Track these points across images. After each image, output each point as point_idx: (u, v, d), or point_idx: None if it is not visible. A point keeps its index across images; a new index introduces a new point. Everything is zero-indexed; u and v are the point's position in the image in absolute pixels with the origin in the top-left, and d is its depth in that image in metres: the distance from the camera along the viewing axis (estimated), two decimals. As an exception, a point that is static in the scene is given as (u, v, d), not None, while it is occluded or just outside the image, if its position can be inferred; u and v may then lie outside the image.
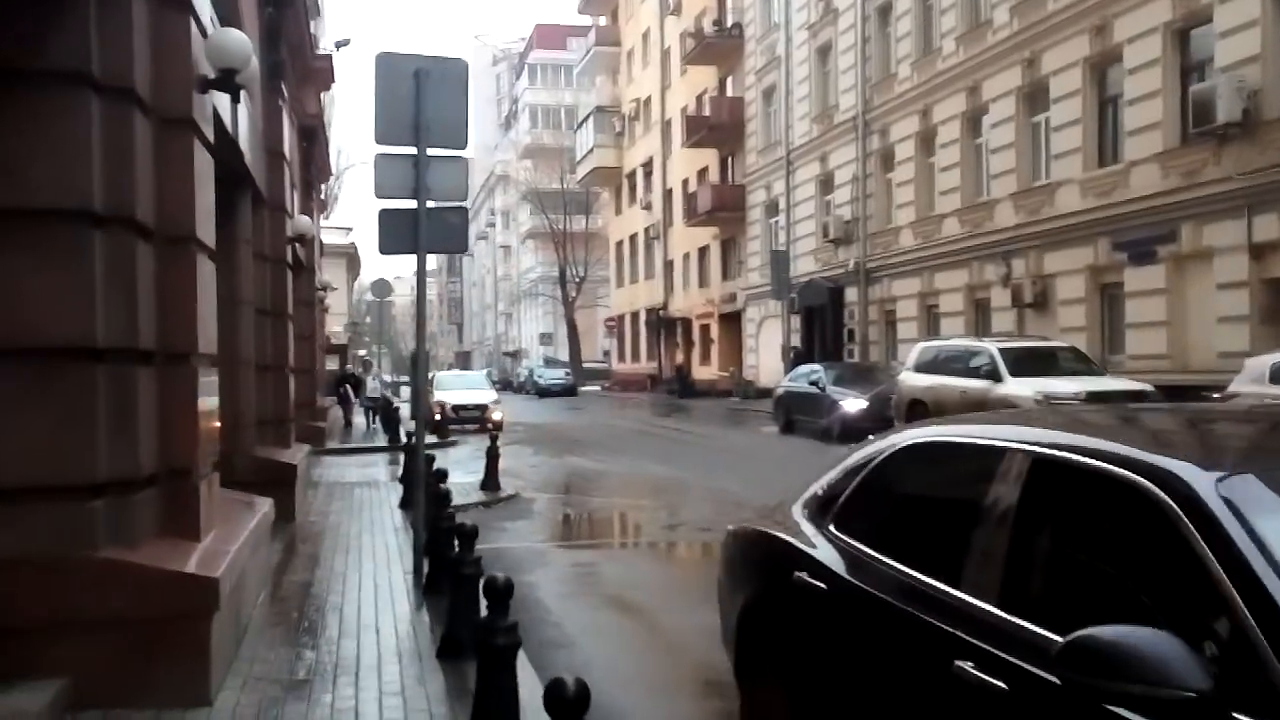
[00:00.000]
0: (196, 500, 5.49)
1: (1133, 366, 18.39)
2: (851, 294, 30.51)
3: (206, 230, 5.86)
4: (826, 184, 32.53)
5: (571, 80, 69.72)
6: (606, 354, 64.43)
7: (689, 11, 43.95)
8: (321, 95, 19.80)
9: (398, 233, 7.90)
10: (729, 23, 39.97)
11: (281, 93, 11.98)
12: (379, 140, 7.72)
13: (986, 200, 24.22)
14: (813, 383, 21.84)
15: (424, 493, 7.81)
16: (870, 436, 4.00)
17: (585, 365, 57.76)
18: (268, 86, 11.56)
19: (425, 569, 7.42)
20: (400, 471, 14.37)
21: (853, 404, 20.28)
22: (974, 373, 16.08)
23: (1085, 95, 20.95)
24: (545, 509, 12.22)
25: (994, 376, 15.54)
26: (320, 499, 12.33)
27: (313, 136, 18.77)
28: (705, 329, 43.35)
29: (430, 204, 7.85)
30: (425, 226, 7.79)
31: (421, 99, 7.62)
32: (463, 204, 8.13)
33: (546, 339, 72.47)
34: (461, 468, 15.28)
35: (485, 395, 25.48)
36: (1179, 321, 18.45)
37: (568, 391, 47.18)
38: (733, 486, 13.84)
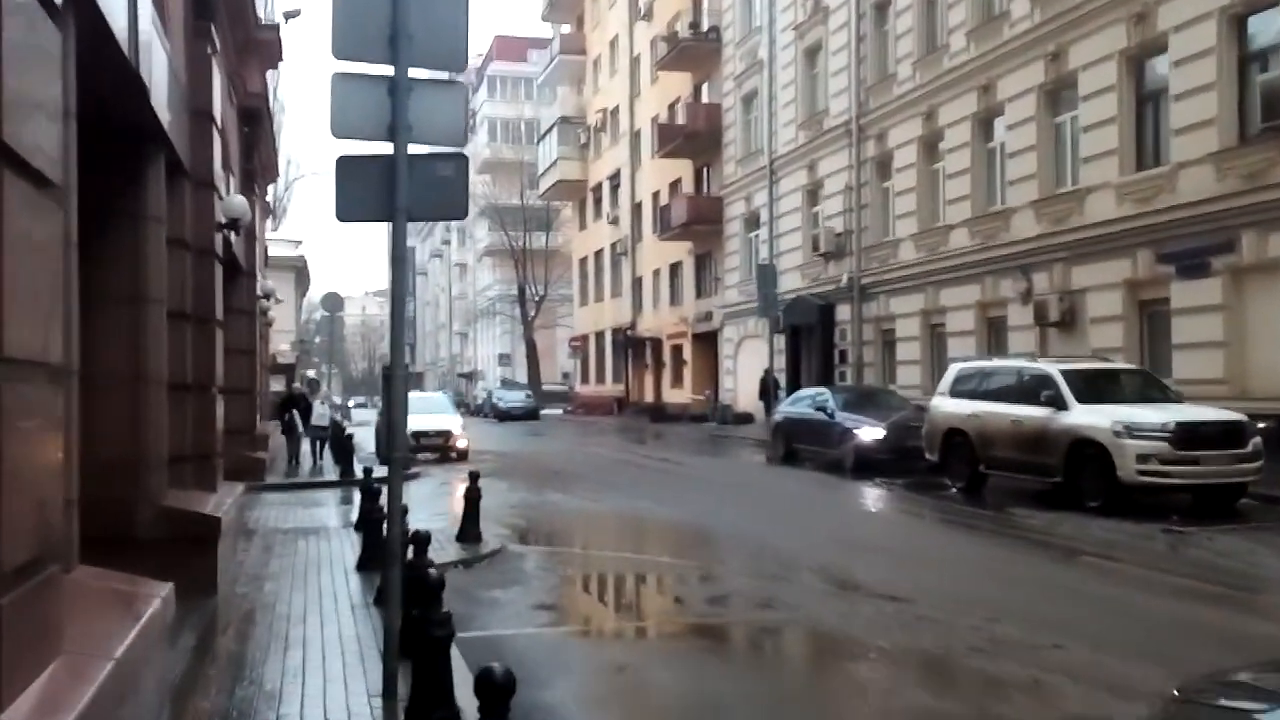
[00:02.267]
0: (-7, 639, 2.96)
1: (1182, 392, 16.29)
2: (844, 312, 28.33)
3: (41, 146, 3.35)
4: (815, 194, 30.39)
5: (532, 93, 67.34)
6: (566, 376, 61.90)
7: (661, 16, 41.83)
8: (267, 74, 17.19)
9: (364, 191, 5.44)
10: (705, 26, 37.90)
11: (212, 40, 9.44)
12: (337, 53, 5.28)
13: (1002, 209, 22.16)
14: (819, 408, 19.52)
15: (400, 574, 5.32)
16: None
17: (545, 387, 55.15)
18: (193, 29, 9.05)
19: (403, 690, 4.94)
20: (355, 514, 11.83)
21: (869, 433, 17.98)
22: (1029, 398, 13.81)
23: (1121, 91, 18.93)
24: (541, 569, 9.69)
25: (1057, 403, 13.29)
26: (254, 555, 9.71)
27: (256, 119, 16.16)
28: (677, 349, 40.97)
29: (414, 149, 5.44)
30: (406, 181, 5.34)
31: (402, -6, 5.21)
32: (460, 150, 5.69)
33: (505, 360, 69.71)
34: (425, 508, 12.78)
35: (449, 420, 22.81)
36: (1238, 342, 16.41)
37: (529, 415, 44.50)
38: (762, 533, 11.46)
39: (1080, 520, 11.80)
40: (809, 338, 30.12)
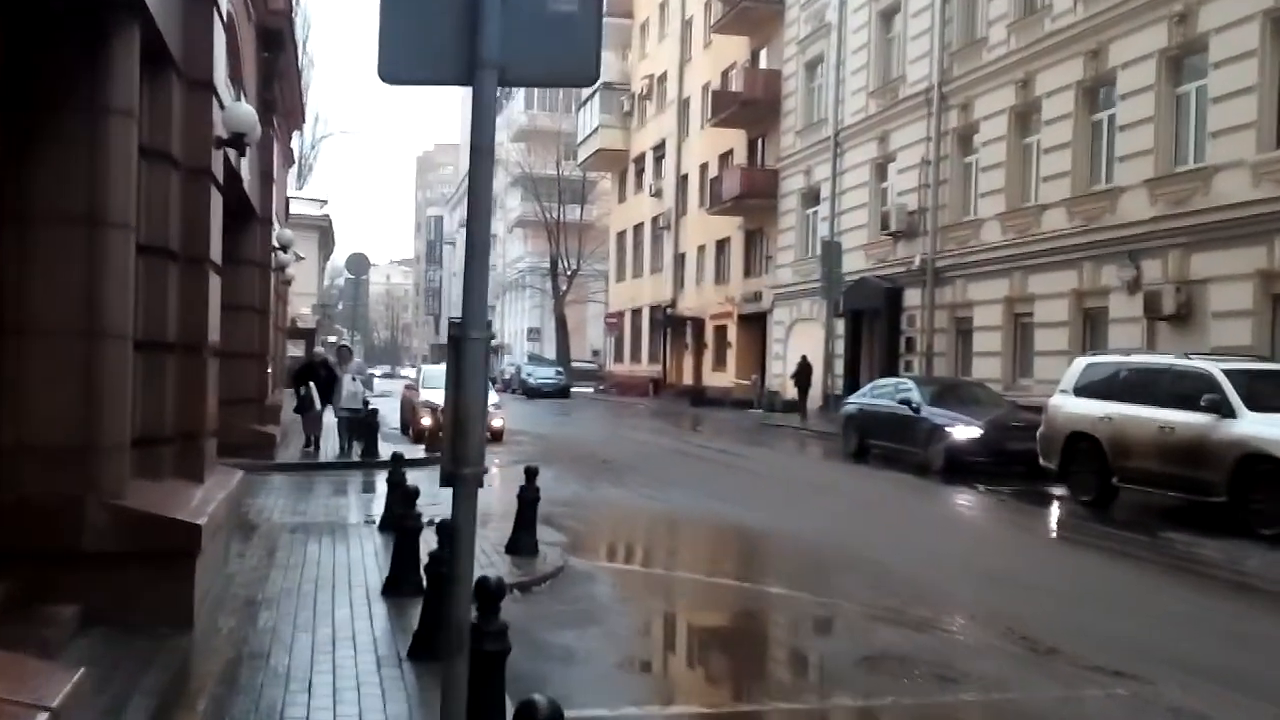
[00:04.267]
0: None
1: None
2: (913, 296, 25.98)
3: None
4: (885, 168, 28.02)
5: (572, 60, 64.86)
6: (596, 353, 59.84)
7: (717, -23, 39.38)
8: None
9: (426, 32, 3.29)
10: (767, -14, 35.44)
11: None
12: None
13: (1108, 188, 19.75)
14: (903, 401, 17.27)
15: (464, 669, 3.21)
16: None
17: (574, 364, 53.07)
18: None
19: None
20: (380, 506, 9.85)
21: (963, 431, 15.75)
22: (1182, 401, 11.55)
23: (1263, 58, 16.46)
24: (618, 600, 7.58)
25: (1222, 409, 11.03)
26: (251, 564, 7.64)
27: (279, 43, 14.05)
28: (721, 330, 38.68)
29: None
30: (498, 17, 3.21)
31: None
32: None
33: (534, 334, 67.70)
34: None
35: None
36: (1405, 345, 14.08)
37: (560, 393, 42.45)
38: (876, 552, 9.35)
39: (1264, 554, 9.60)
40: (871, 323, 27.84)
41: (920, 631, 6.56)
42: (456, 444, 3.20)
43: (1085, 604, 7.66)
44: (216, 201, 7.54)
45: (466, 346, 3.24)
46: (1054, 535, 11.66)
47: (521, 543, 8.30)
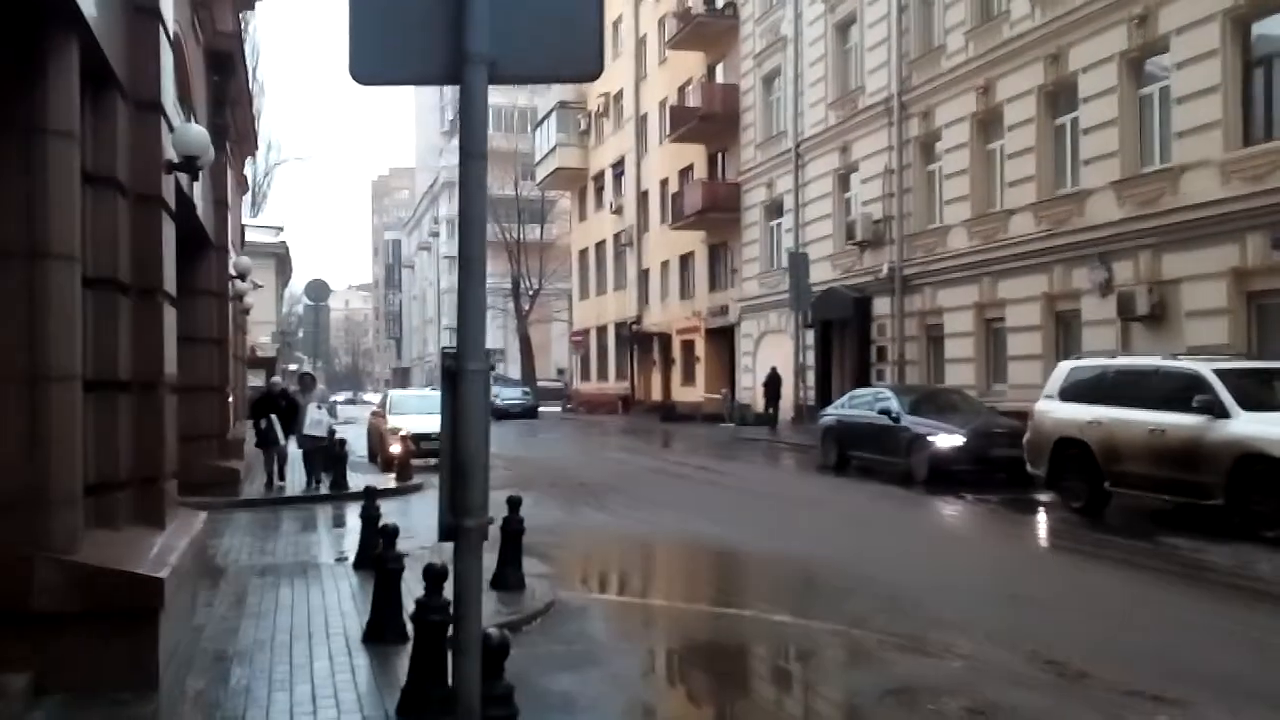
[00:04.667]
0: None
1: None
2: (882, 305, 25.83)
3: None
4: (848, 179, 27.91)
5: (526, 79, 64.51)
6: (561, 372, 59.43)
7: (669, -6, 39.34)
8: (241, 15, 14.58)
9: (405, 25, 2.90)
10: (721, 3, 35.40)
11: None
12: None
13: (1074, 191, 19.70)
14: (882, 411, 17.00)
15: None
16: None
17: (540, 384, 52.59)
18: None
19: None
20: (353, 542, 9.39)
21: (946, 440, 15.51)
22: (1173, 403, 11.35)
23: (1226, 57, 16.46)
24: (616, 636, 7.13)
25: (1214, 410, 10.84)
26: (220, 613, 7.12)
27: (229, 67, 13.55)
28: (689, 345, 38.37)
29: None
30: (486, 6, 2.83)
31: None
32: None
33: (498, 355, 67.14)
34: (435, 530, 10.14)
35: (453, 422, 20.09)
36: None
37: (528, 413, 41.84)
38: (875, 571, 9.00)
39: (1272, 557, 9.37)
40: (841, 333, 27.66)
41: (941, 658, 6.20)
42: (457, 492, 2.79)
43: (1103, 620, 7.34)
44: (169, 229, 7.06)
45: (465, 380, 2.83)
46: (1054, 545, 11.37)
47: (508, 577, 7.84)
